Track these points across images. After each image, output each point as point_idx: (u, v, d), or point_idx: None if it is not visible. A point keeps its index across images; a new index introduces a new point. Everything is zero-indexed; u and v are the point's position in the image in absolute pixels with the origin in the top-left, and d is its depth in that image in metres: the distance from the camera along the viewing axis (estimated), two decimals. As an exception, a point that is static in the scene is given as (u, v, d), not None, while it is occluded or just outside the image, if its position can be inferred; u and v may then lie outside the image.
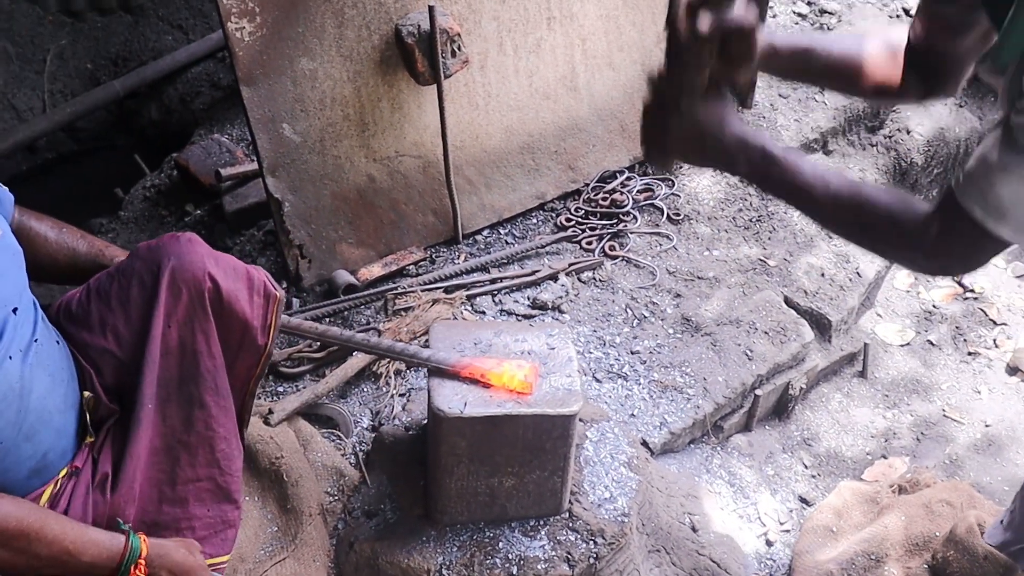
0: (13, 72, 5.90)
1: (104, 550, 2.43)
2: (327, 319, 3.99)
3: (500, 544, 3.09)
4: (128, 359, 2.75)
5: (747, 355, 4.05)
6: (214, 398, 2.83)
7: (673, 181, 4.76)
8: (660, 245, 4.49)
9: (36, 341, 2.54)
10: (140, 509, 2.73)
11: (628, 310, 4.18)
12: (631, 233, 4.51)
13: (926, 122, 5.35)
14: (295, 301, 4.03)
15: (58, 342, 2.68)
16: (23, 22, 5.98)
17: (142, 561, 2.47)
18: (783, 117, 5.10)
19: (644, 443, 3.72)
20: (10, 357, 2.43)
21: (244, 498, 3.26)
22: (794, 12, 5.52)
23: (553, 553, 3.07)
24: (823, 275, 4.50)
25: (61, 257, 2.88)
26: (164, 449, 2.78)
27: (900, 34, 2.54)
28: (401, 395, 3.71)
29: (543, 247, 4.39)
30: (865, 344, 4.49)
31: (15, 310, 2.47)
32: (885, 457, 4.19)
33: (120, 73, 5.99)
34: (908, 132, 5.31)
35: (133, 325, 2.74)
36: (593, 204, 4.60)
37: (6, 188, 2.70)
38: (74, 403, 2.69)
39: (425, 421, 3.34)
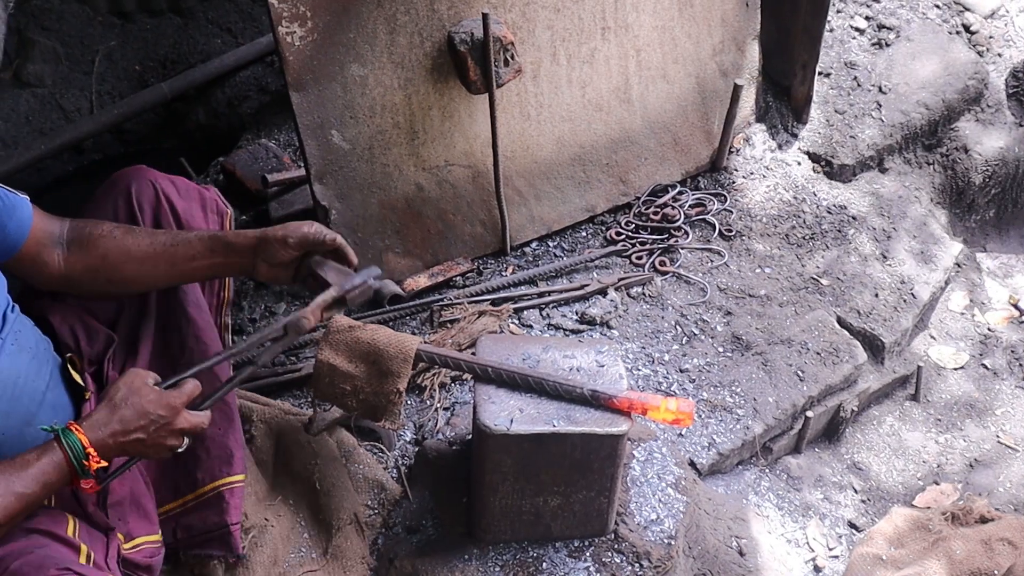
0: (62, 72, 5.89)
1: (48, 468, 2.33)
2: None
3: (544, 565, 3.05)
4: None
5: (798, 376, 3.98)
6: (196, 311, 2.98)
7: (726, 196, 4.70)
8: (711, 261, 4.43)
9: (10, 328, 2.57)
10: None
11: (678, 327, 4.12)
12: (682, 248, 4.45)
13: (985, 141, 5.26)
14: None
15: (26, 318, 2.72)
16: (73, 22, 5.97)
17: (91, 450, 2.35)
18: (839, 134, 5.02)
19: (692, 464, 3.66)
20: None
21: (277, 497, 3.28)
22: (852, 27, 5.44)
23: (598, 575, 3.02)
24: (877, 295, 4.42)
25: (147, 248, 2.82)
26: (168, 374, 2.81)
27: None
28: (445, 409, 3.67)
29: (592, 261, 4.34)
30: (918, 367, 4.41)
31: None
32: (937, 483, 4.11)
33: (168, 75, 5.97)
34: (967, 151, 5.23)
35: None
36: (644, 218, 4.53)
37: (23, 196, 2.69)
38: (58, 371, 2.72)
39: (470, 436, 3.31)
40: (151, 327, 2.94)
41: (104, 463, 2.39)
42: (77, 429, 2.36)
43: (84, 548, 2.46)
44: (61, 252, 2.73)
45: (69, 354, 2.76)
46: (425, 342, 3.50)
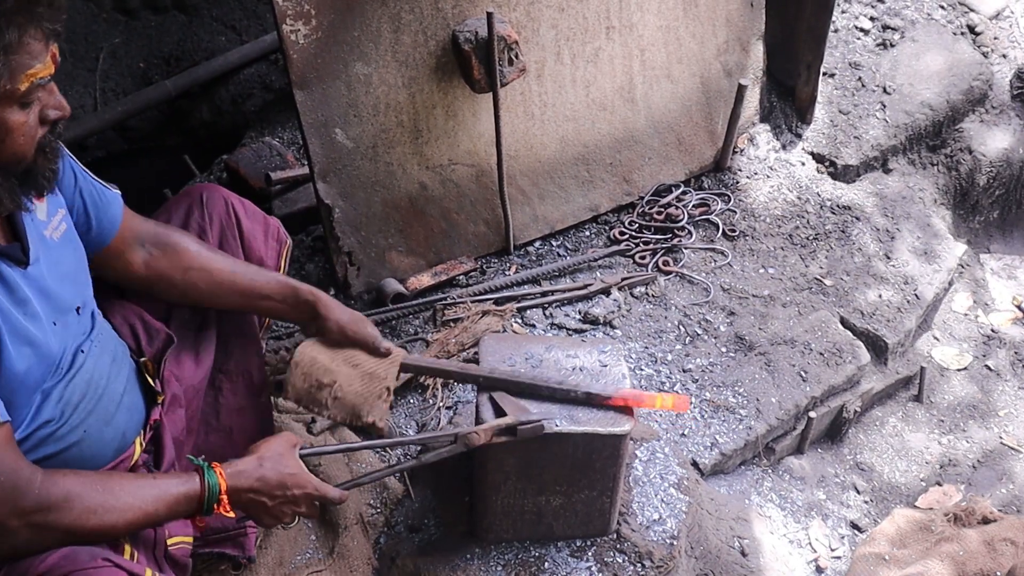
0: (66, 69, 5.89)
1: (182, 498, 2.37)
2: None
3: (546, 564, 3.05)
4: None
5: (801, 376, 3.97)
6: (247, 324, 3.05)
7: (729, 196, 4.69)
8: (715, 261, 4.43)
9: (97, 330, 2.58)
10: (193, 442, 2.88)
11: (681, 327, 4.11)
12: (685, 248, 4.44)
13: (989, 142, 5.25)
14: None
15: (106, 321, 2.74)
16: (77, 19, 5.97)
17: (224, 497, 2.41)
18: (843, 134, 5.02)
19: (694, 464, 3.66)
20: (82, 351, 2.48)
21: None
22: (856, 27, 5.44)
23: (600, 575, 3.01)
24: (880, 296, 4.42)
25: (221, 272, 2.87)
26: (209, 380, 2.92)
27: None
28: (448, 408, 3.66)
29: (595, 260, 4.34)
30: (922, 368, 4.40)
31: (78, 309, 2.51)
32: (940, 484, 4.10)
33: (172, 73, 5.98)
34: (971, 152, 5.22)
35: None
36: (647, 218, 4.53)
37: (115, 190, 2.72)
38: (134, 375, 2.73)
39: (472, 436, 3.29)
40: (212, 333, 2.97)
41: (231, 513, 2.44)
42: (220, 473, 2.42)
43: (128, 547, 2.46)
44: (145, 254, 2.75)
45: (143, 358, 2.77)
46: (428, 343, 3.51)
